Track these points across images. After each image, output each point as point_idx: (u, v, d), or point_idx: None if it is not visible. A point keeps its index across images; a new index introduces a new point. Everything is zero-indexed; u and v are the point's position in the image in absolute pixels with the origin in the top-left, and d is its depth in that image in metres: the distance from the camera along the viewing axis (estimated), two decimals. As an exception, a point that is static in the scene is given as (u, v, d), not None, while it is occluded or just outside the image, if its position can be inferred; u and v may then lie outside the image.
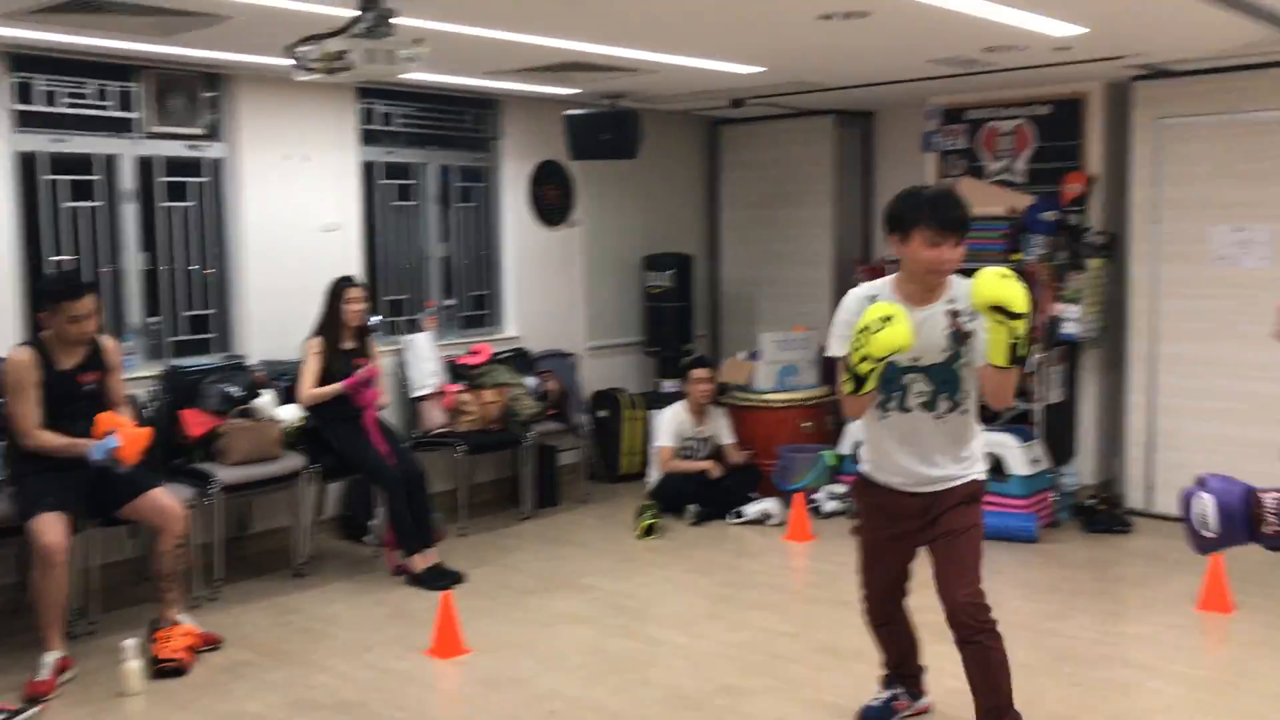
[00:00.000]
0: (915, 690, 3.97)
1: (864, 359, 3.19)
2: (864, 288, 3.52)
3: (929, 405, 3.45)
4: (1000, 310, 3.12)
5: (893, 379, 3.43)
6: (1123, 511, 6.54)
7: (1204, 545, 2.42)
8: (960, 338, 3.37)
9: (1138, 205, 6.52)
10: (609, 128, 6.90)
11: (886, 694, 3.95)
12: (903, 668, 3.95)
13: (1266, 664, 4.40)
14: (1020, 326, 3.14)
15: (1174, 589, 5.33)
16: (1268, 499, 2.34)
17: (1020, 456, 6.28)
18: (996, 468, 6.39)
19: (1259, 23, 4.80)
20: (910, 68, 6.08)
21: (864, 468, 3.69)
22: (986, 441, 6.32)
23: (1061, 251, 6.64)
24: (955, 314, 3.37)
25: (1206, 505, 2.38)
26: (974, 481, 3.54)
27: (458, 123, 7.17)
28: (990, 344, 3.21)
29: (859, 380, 3.24)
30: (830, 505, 6.73)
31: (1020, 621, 4.91)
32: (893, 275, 3.48)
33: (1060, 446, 6.78)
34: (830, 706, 4.07)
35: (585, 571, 5.75)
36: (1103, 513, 6.39)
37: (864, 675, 4.32)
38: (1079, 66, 6.07)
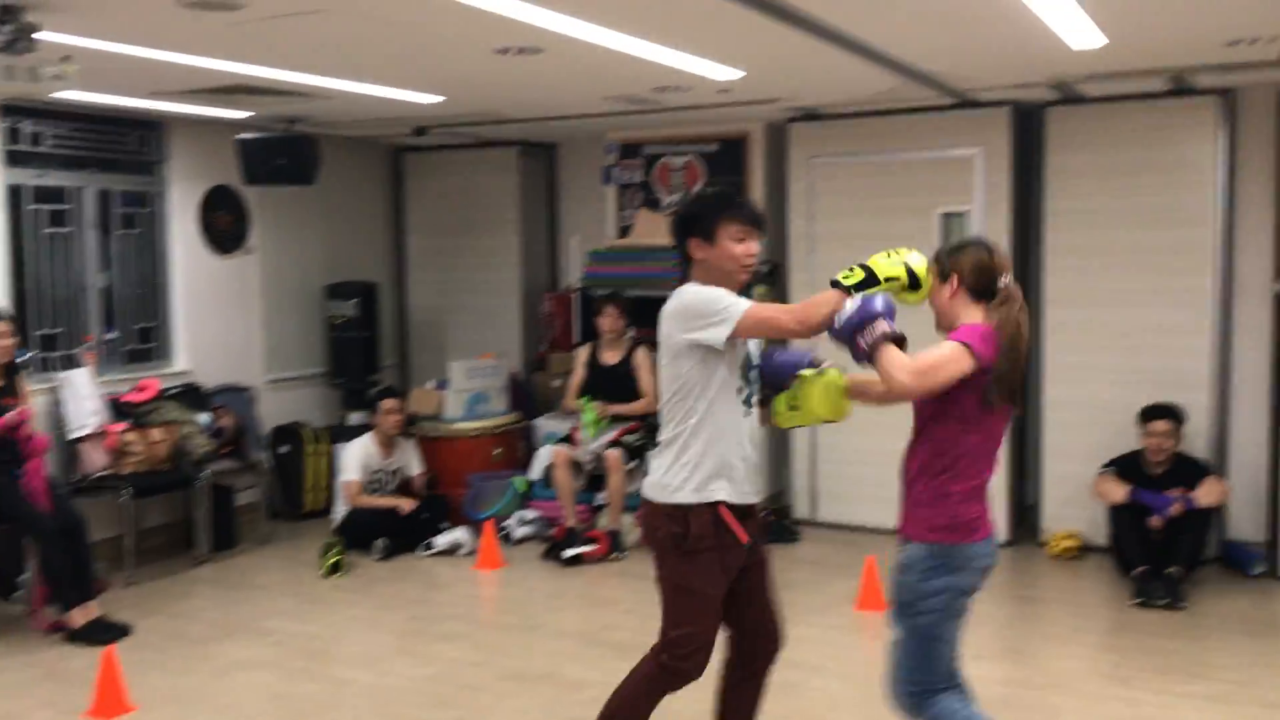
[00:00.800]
0: None
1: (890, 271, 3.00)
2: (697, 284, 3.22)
3: (748, 401, 3.26)
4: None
5: (744, 372, 3.24)
6: (791, 521, 6.99)
7: (833, 331, 2.99)
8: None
9: (795, 237, 7.02)
10: (285, 153, 6.70)
11: None
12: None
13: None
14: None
15: (836, 592, 5.74)
16: (881, 327, 2.87)
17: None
18: (677, 487, 6.68)
19: (892, 73, 5.31)
20: (587, 103, 6.29)
21: (696, 493, 3.13)
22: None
23: (731, 280, 7.02)
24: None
25: (854, 302, 2.94)
26: None
27: (119, 145, 6.74)
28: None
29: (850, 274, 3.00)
30: (521, 531, 6.79)
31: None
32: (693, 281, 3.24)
33: (735, 464, 7.15)
34: (517, 732, 4.12)
35: (266, 614, 5.52)
36: (773, 524, 6.80)
37: (551, 698, 4.40)
38: (740, 108, 6.48)
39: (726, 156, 7.28)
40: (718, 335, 3.10)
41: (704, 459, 3.14)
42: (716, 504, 3.14)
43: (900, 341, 2.89)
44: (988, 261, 2.94)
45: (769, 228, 7.06)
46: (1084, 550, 6.36)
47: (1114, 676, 4.61)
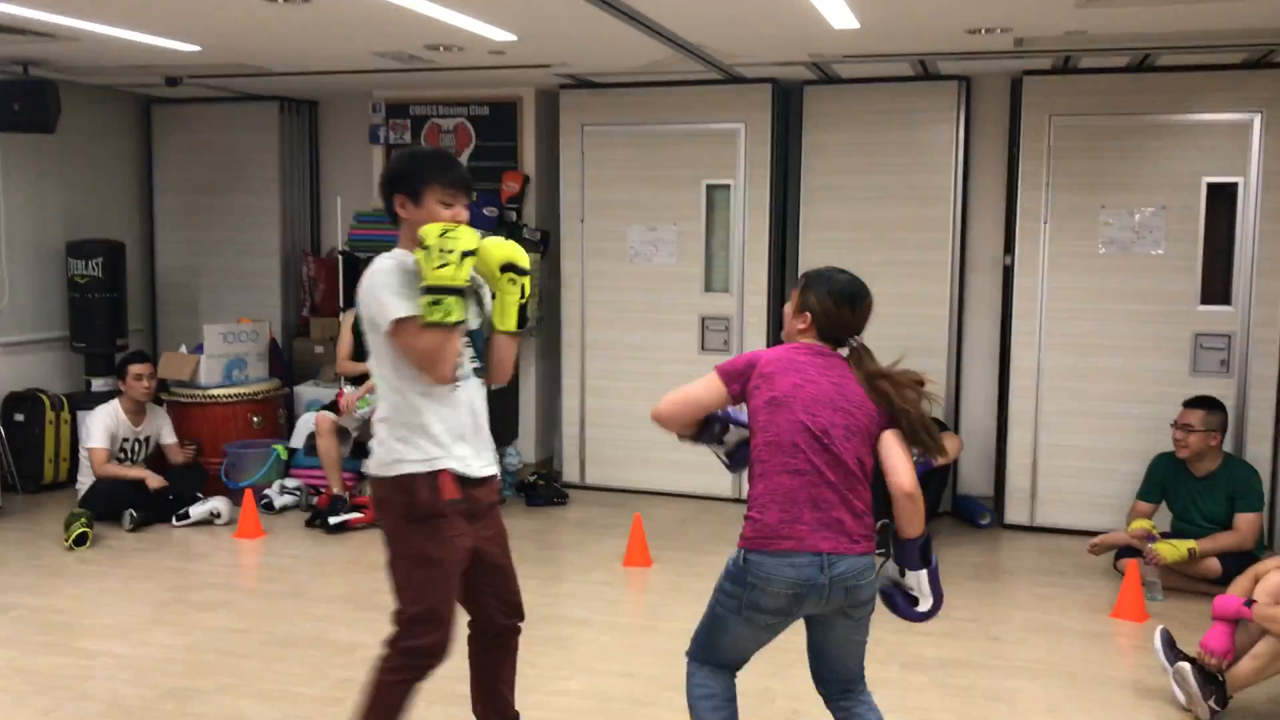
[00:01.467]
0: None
1: (439, 269, 2.86)
2: (388, 257, 3.03)
3: (478, 373, 3.15)
4: (511, 269, 3.00)
5: (471, 337, 3.12)
6: (560, 485, 7.10)
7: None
8: (481, 303, 3.15)
9: (567, 205, 7.10)
10: (20, 98, 6.21)
11: None
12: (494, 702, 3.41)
13: (679, 607, 5.01)
14: (528, 284, 3.07)
15: (604, 550, 5.88)
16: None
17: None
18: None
19: (662, 43, 5.44)
20: (355, 58, 6.13)
21: (423, 463, 3.00)
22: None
23: (501, 245, 7.03)
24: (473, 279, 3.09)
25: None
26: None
27: None
28: (503, 309, 3.05)
29: (442, 292, 2.87)
30: (282, 500, 6.60)
31: (470, 593, 5.18)
32: (398, 249, 3.07)
33: (504, 429, 7.20)
34: (284, 694, 4.03)
35: (4, 589, 5.16)
36: (543, 487, 6.88)
37: (319, 660, 4.34)
38: (513, 71, 6.49)
39: (498, 120, 7.26)
40: (377, 340, 3.03)
41: (424, 429, 3.00)
42: (439, 471, 3.00)
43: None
44: (848, 318, 3.01)
45: (535, 194, 7.18)
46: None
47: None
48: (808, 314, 3.02)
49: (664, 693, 4.07)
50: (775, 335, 6.97)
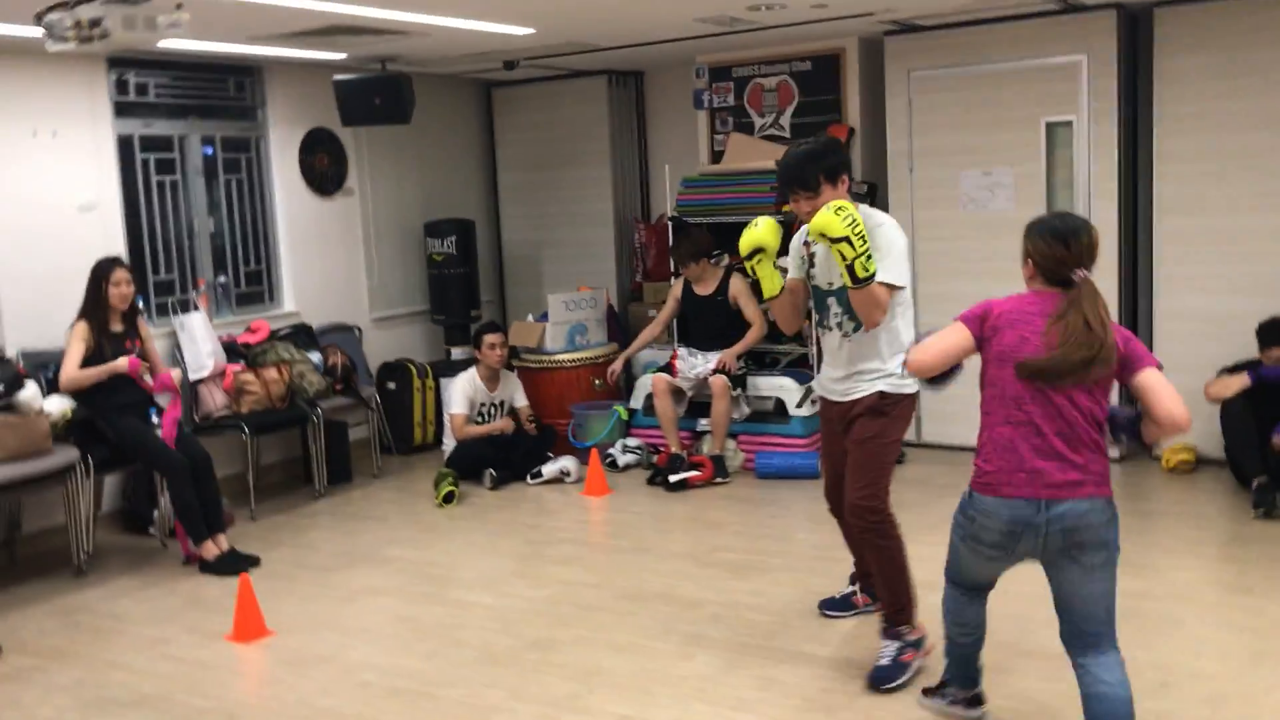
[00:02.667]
0: (874, 590, 4.14)
1: (745, 259, 3.81)
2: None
3: (840, 325, 3.86)
4: (824, 237, 3.52)
5: (819, 301, 3.92)
6: (896, 443, 6.94)
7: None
8: (811, 261, 3.90)
9: (894, 154, 6.91)
10: (380, 92, 6.76)
11: (848, 589, 4.42)
12: (861, 565, 4.30)
13: (1032, 571, 4.79)
14: (848, 250, 3.50)
15: (945, 510, 5.68)
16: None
17: (799, 398, 6.59)
18: (780, 409, 6.71)
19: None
20: (677, 26, 6.23)
21: (814, 384, 4.33)
22: (767, 385, 6.72)
23: (828, 201, 6.96)
24: (807, 244, 3.92)
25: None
26: (877, 394, 3.84)
27: (220, 91, 6.88)
28: (838, 268, 3.63)
29: (756, 282, 3.88)
30: (625, 459, 6.88)
31: (810, 553, 5.20)
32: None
33: (837, 386, 7.14)
34: (637, 648, 4.21)
35: (386, 544, 5.70)
36: (878, 446, 6.77)
37: (669, 615, 4.49)
38: (835, 23, 6.37)
39: (820, 74, 7.16)
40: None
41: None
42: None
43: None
44: (1062, 254, 3.03)
45: (860, 145, 7.03)
46: (1200, 463, 6.24)
47: (1237, 586, 4.54)
48: (1029, 260, 3.11)
49: (1017, 659, 3.92)
50: (1128, 280, 6.49)
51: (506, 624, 4.52)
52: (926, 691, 3.56)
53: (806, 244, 3.92)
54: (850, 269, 3.54)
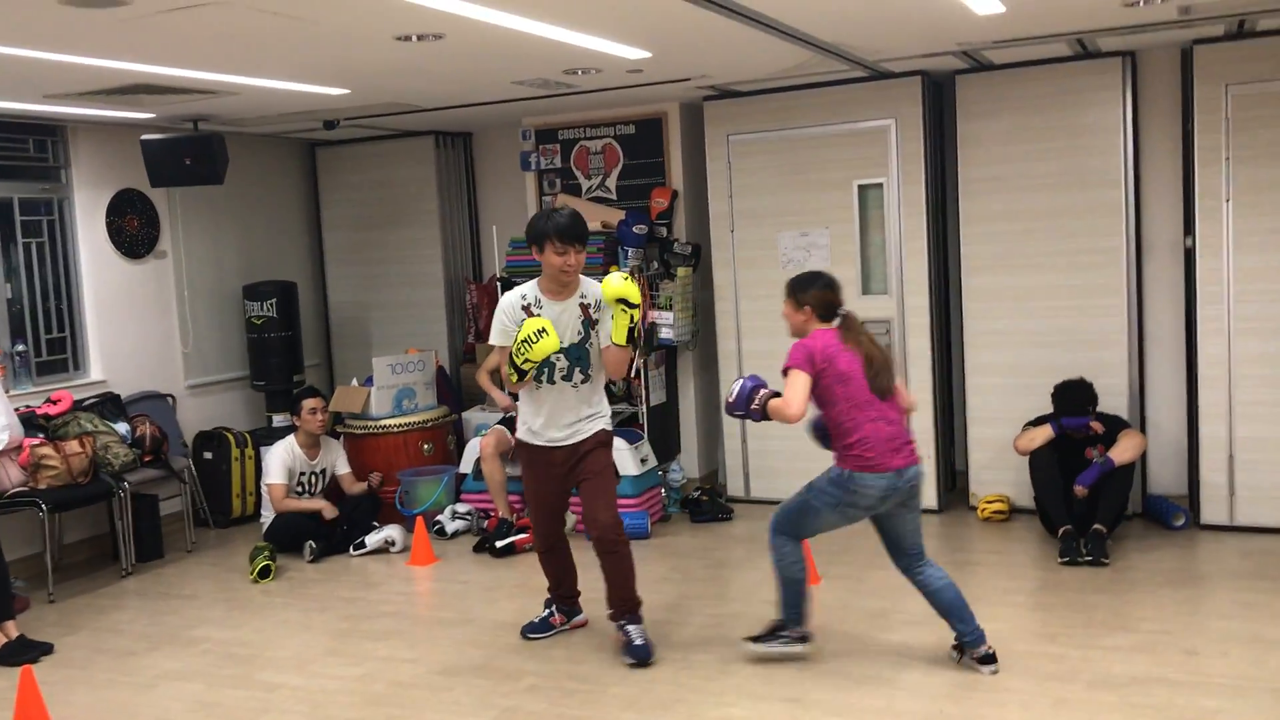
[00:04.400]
0: (572, 609, 4.96)
1: (526, 360, 4.32)
2: (516, 291, 4.57)
3: (569, 377, 4.54)
4: (623, 302, 4.33)
5: (543, 361, 4.49)
6: (725, 500, 7.00)
7: (728, 409, 4.32)
8: (591, 324, 4.53)
9: (715, 216, 7.02)
10: (191, 152, 6.54)
11: (545, 612, 4.95)
12: (561, 589, 4.91)
13: (847, 625, 4.86)
14: (637, 315, 4.39)
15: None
16: (761, 393, 4.20)
17: (630, 458, 6.57)
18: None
19: (801, 46, 5.31)
20: (498, 89, 6.21)
21: (522, 434, 4.68)
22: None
23: (654, 262, 7.03)
24: (586, 306, 4.54)
25: (734, 388, 4.28)
26: (603, 430, 4.64)
27: (20, 150, 6.55)
28: (615, 328, 4.40)
29: (521, 372, 4.37)
30: (454, 525, 6.73)
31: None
32: (536, 279, 4.60)
33: (666, 444, 7.17)
34: (452, 726, 4.08)
35: (194, 623, 5.42)
36: (707, 503, 6.81)
37: (485, 690, 4.38)
38: (654, 88, 6.46)
39: (644, 137, 7.25)
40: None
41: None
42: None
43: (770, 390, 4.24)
44: (834, 298, 4.26)
45: (685, 207, 7.12)
46: (1013, 512, 6.46)
47: (1042, 634, 4.68)
48: (808, 307, 4.23)
49: (830, 718, 3.93)
50: (941, 334, 6.71)
51: (314, 706, 4.32)
52: (757, 639, 4.47)
53: (587, 306, 4.53)
54: (631, 330, 4.37)
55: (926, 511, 6.52)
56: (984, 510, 6.45)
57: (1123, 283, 6.19)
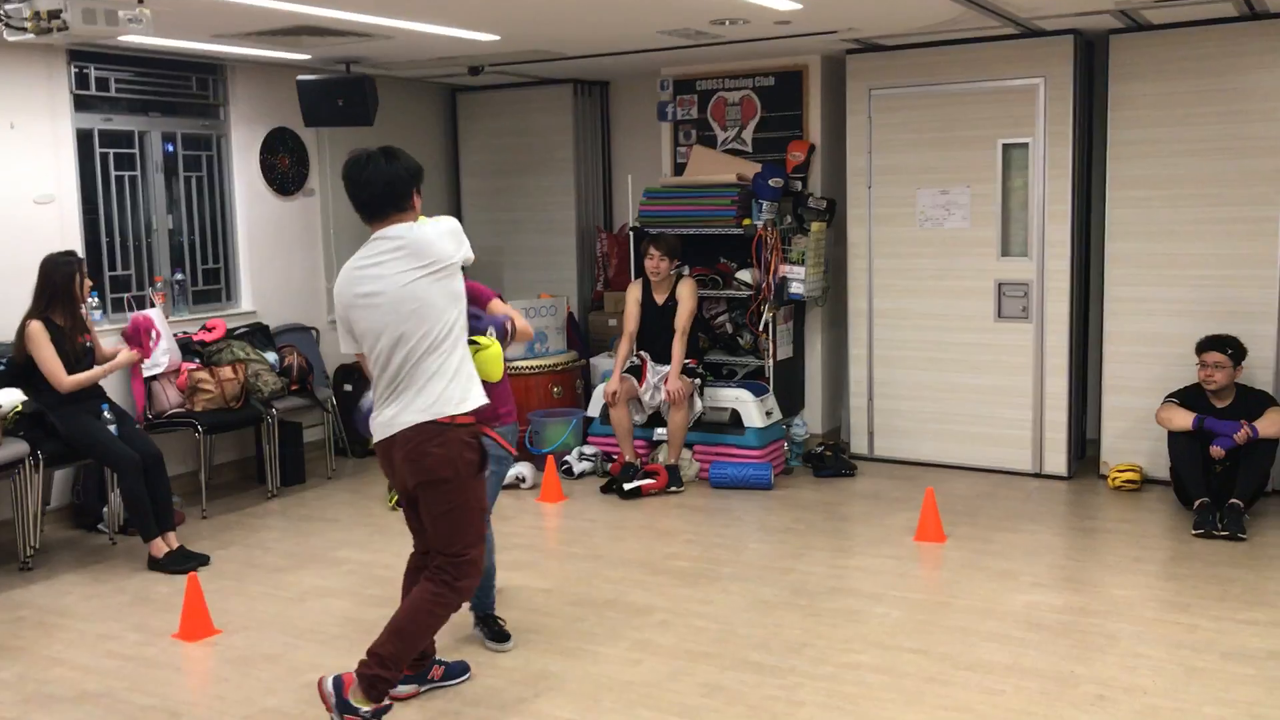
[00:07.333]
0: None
1: None
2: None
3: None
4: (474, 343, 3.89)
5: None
6: (848, 456, 7.03)
7: None
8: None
9: (853, 171, 6.99)
10: (343, 94, 6.76)
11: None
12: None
13: (973, 584, 4.88)
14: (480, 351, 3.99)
15: (895, 524, 5.80)
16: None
17: (755, 410, 6.65)
18: (735, 420, 6.75)
19: (954, 2, 5.24)
20: (644, 38, 6.27)
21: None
22: (724, 396, 6.75)
23: (787, 216, 7.05)
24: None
25: None
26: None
27: (182, 88, 6.84)
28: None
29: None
30: (580, 467, 6.90)
31: (760, 563, 5.24)
32: None
33: (790, 399, 7.22)
34: (585, 654, 4.23)
35: (337, 545, 5.69)
36: (830, 458, 6.85)
37: (617, 622, 4.52)
38: (798, 40, 6.44)
39: (783, 90, 7.24)
40: None
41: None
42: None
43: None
44: None
45: (821, 161, 7.11)
46: (1144, 483, 6.36)
47: (1174, 603, 4.63)
48: None
49: (958, 672, 3.97)
50: (1079, 300, 6.60)
51: (455, 627, 4.52)
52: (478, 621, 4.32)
53: None
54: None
55: (1053, 478, 6.56)
56: (1115, 479, 6.36)
57: (1276, 254, 6.01)
